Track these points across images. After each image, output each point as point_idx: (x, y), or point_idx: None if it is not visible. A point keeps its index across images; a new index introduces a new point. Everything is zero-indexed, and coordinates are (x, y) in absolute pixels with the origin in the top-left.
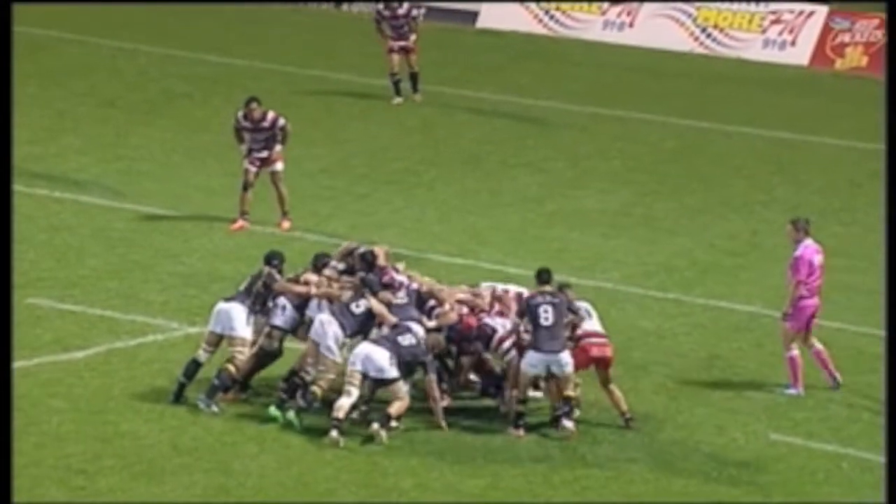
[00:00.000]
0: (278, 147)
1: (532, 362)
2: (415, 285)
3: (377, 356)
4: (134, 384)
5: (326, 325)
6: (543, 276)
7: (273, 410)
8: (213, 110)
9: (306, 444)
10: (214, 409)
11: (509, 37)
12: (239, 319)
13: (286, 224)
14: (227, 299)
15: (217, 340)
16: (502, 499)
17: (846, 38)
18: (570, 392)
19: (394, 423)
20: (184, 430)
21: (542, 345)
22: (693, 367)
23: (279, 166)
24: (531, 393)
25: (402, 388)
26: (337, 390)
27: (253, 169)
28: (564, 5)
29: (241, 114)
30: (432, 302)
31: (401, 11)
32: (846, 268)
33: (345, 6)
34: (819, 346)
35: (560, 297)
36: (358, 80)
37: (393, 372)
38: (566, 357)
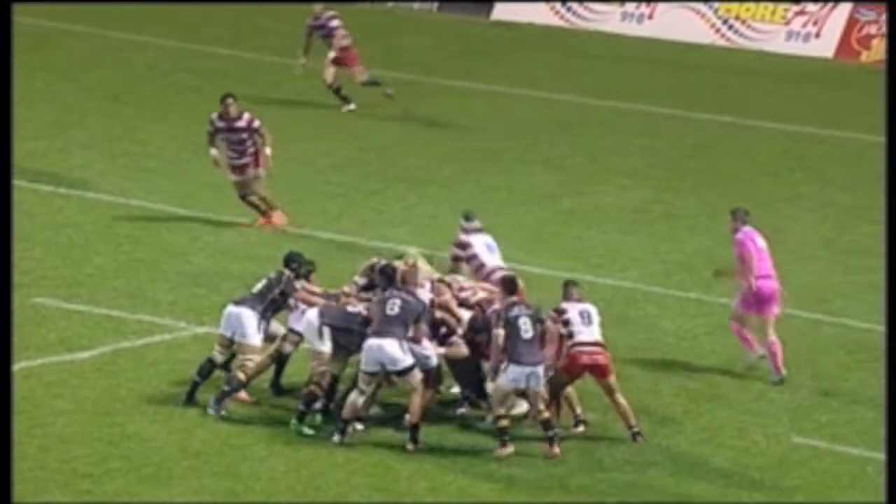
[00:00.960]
0: (268, 150)
1: (514, 376)
2: (427, 297)
3: (389, 348)
4: (141, 385)
5: (310, 322)
6: (511, 286)
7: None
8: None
9: (317, 447)
10: (223, 413)
11: (525, 29)
12: (250, 326)
13: (278, 219)
14: (237, 303)
15: (229, 343)
16: (517, 503)
17: (872, 29)
18: (545, 414)
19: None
20: (192, 433)
21: (523, 357)
22: (714, 368)
23: (260, 171)
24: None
25: (417, 376)
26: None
27: (237, 178)
28: None
29: (215, 115)
30: (444, 329)
31: (329, 22)
32: (877, 268)
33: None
34: (774, 338)
35: (533, 306)
36: (369, 73)
37: (408, 359)
38: (541, 371)
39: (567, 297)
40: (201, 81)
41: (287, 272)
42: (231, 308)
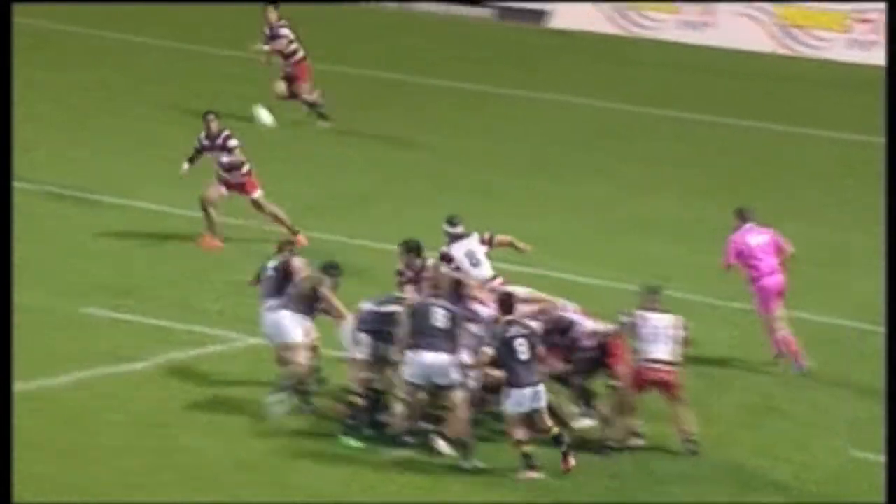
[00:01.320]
0: (245, 169)
1: (519, 401)
2: (489, 313)
3: (442, 362)
4: (192, 396)
5: (347, 330)
6: (507, 306)
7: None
8: (272, 113)
9: (368, 460)
10: (312, 407)
11: (581, 37)
12: (289, 326)
13: (302, 239)
14: (270, 309)
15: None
16: None
17: None
18: (555, 429)
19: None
20: (243, 444)
21: (523, 380)
22: (772, 380)
23: (257, 194)
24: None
25: (460, 394)
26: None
27: (221, 190)
28: (639, 4)
29: (203, 134)
30: None
31: (279, 30)
32: None
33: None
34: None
35: (530, 327)
36: (411, 80)
37: (456, 375)
38: (542, 389)
39: (646, 306)
40: (244, 88)
41: (320, 276)
42: (267, 317)
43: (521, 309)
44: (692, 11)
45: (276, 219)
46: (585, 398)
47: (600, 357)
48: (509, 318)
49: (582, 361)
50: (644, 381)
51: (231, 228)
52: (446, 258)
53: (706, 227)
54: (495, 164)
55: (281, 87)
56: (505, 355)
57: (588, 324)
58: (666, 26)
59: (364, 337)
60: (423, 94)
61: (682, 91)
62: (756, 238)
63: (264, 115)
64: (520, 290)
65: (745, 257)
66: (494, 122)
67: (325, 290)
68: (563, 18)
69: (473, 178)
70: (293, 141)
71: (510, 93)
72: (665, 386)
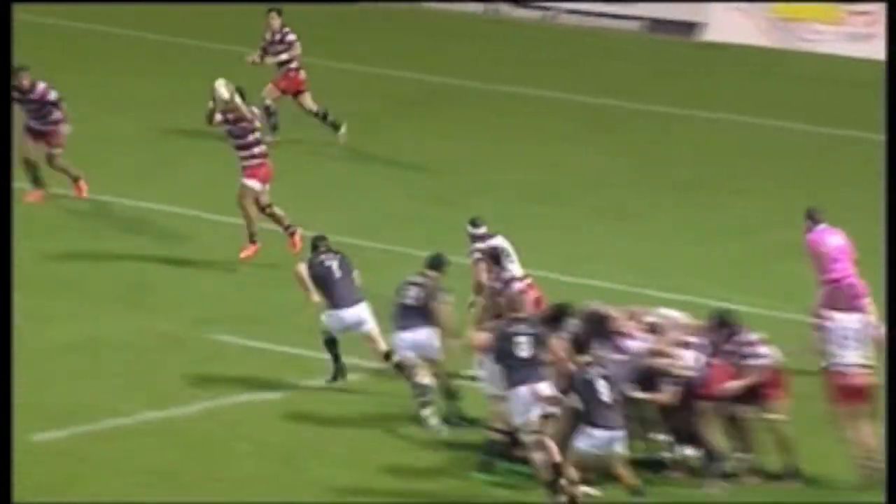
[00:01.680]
0: (260, 149)
1: (597, 444)
2: (642, 346)
3: (539, 392)
4: (321, 426)
5: (484, 364)
6: (596, 329)
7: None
8: (409, 131)
9: (507, 499)
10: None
11: (735, 51)
12: (435, 341)
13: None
14: (405, 328)
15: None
16: None
17: None
18: (632, 481)
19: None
20: (373, 478)
21: (605, 420)
22: None
23: (256, 186)
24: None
25: (552, 427)
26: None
27: (259, 187)
28: (800, 13)
29: (219, 116)
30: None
31: (286, 36)
32: None
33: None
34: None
35: (608, 368)
36: (549, 95)
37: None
38: (622, 436)
39: (834, 303)
40: (384, 107)
41: (432, 274)
42: (405, 336)
43: (674, 335)
44: (858, 23)
45: (248, 217)
46: (740, 433)
47: (760, 382)
48: (586, 359)
49: (746, 370)
50: (841, 388)
51: (362, 252)
52: (492, 254)
53: (869, 253)
54: (641, 185)
55: (306, 101)
56: (585, 394)
57: (752, 335)
58: (827, 39)
59: (503, 370)
60: (564, 111)
61: (843, 107)
62: (833, 239)
63: (222, 89)
64: (675, 315)
65: (821, 258)
66: (640, 140)
67: (440, 302)
68: (717, 31)
69: (618, 201)
70: (369, 155)
71: (658, 109)
72: (860, 394)
